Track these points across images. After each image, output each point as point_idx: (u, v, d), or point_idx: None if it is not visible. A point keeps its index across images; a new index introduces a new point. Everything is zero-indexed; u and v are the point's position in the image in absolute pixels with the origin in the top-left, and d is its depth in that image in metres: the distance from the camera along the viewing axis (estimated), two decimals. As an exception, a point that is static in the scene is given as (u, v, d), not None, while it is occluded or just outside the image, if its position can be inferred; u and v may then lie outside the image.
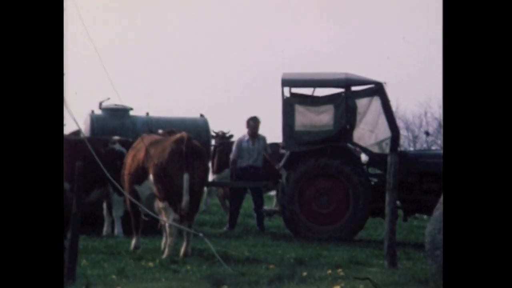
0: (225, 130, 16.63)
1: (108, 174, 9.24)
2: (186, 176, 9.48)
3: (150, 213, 9.79)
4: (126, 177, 10.31)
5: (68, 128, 14.65)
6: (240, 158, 13.31)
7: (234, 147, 13.44)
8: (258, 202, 13.41)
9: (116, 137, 12.67)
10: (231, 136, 16.26)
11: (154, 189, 9.86)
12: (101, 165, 8.99)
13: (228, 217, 13.49)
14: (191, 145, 9.77)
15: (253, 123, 13.28)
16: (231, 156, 13.42)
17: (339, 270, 8.10)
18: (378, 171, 12.79)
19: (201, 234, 9.46)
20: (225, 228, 13.21)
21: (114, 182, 9.65)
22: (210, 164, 14.52)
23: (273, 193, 16.63)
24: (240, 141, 13.36)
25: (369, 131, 12.59)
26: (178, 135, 9.97)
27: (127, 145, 11.82)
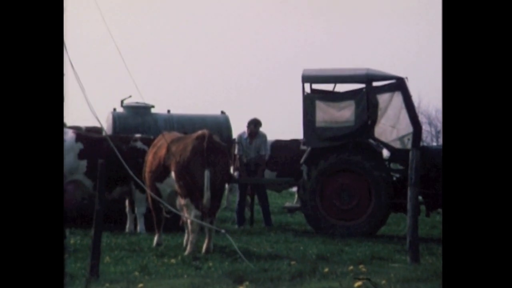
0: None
1: (130, 172, 9.29)
2: (207, 173, 9.50)
3: (173, 209, 9.83)
4: (147, 175, 10.36)
5: (90, 125, 14.75)
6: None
7: (236, 143, 13.54)
8: (263, 197, 13.45)
9: (138, 135, 12.73)
10: None
11: (176, 186, 9.89)
12: (124, 163, 9.04)
13: (236, 214, 13.52)
14: (212, 142, 9.80)
15: (251, 127, 13.38)
16: (236, 152, 13.51)
17: (361, 266, 8.08)
18: (399, 167, 12.73)
19: (223, 231, 9.48)
20: (236, 227, 13.21)
21: (137, 179, 9.69)
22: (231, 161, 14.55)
23: (294, 189, 16.64)
24: (240, 137, 13.49)
25: (391, 126, 12.54)
26: (199, 132, 10.00)
27: (148, 143, 11.87)
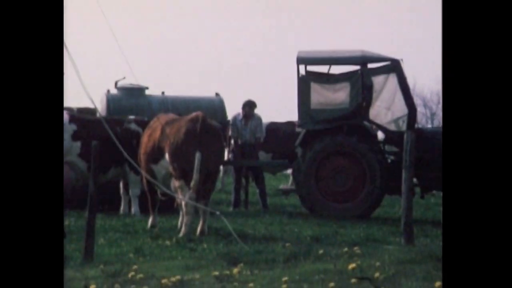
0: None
1: (125, 153, 9.27)
2: (198, 155, 9.48)
3: (167, 191, 9.82)
4: (142, 156, 10.34)
5: (82, 106, 14.68)
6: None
7: (230, 124, 13.49)
8: (259, 179, 13.46)
9: (132, 117, 12.69)
10: None
11: (170, 168, 9.88)
12: (119, 145, 9.00)
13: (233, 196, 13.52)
14: (206, 124, 9.77)
15: (246, 108, 13.32)
16: (229, 134, 13.47)
17: (356, 248, 8.09)
18: (394, 149, 12.73)
19: (218, 212, 9.48)
20: (230, 209, 13.22)
21: (132, 161, 9.67)
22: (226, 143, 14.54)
23: (289, 171, 16.64)
24: (235, 118, 13.43)
25: (386, 108, 12.53)
26: (193, 114, 9.98)
27: (142, 124, 11.84)
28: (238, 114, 13.47)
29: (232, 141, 13.52)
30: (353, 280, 6.32)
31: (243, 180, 13.66)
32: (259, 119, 13.49)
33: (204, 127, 9.71)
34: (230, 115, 14.82)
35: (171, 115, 10.67)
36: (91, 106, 14.17)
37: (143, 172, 10.18)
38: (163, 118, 10.40)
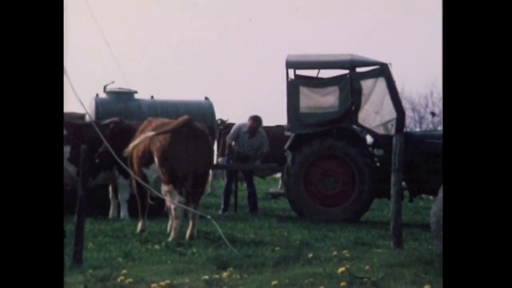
0: (224, 118, 16.66)
1: (117, 157, 9.25)
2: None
3: (159, 194, 9.81)
4: (134, 160, 10.33)
5: (77, 111, 14.66)
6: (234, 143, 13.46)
7: (232, 131, 13.54)
8: (250, 183, 13.49)
9: (115, 119, 12.55)
10: (231, 124, 16.30)
11: (159, 172, 9.87)
12: (110, 149, 8.96)
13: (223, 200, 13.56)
14: (193, 128, 9.77)
15: (253, 124, 13.36)
16: (227, 139, 13.53)
17: (345, 251, 8.10)
18: (383, 152, 12.77)
19: (208, 217, 9.47)
20: (219, 212, 13.23)
21: (123, 164, 9.66)
22: (215, 147, 14.54)
23: (278, 175, 16.65)
24: (239, 128, 13.48)
25: (374, 112, 12.56)
26: (180, 118, 9.98)
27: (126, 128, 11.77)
28: (244, 125, 13.47)
29: (228, 147, 13.56)
30: (343, 283, 6.33)
31: (232, 185, 13.68)
32: (263, 137, 13.51)
33: (191, 130, 9.71)
34: (218, 118, 14.85)
35: (161, 119, 10.68)
36: (76, 110, 14.19)
37: (134, 175, 10.16)
38: (153, 122, 10.41)
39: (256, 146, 13.45)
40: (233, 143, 13.50)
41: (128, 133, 11.29)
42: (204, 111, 14.94)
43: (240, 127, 13.52)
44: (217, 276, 6.80)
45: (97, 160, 11.11)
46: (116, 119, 12.06)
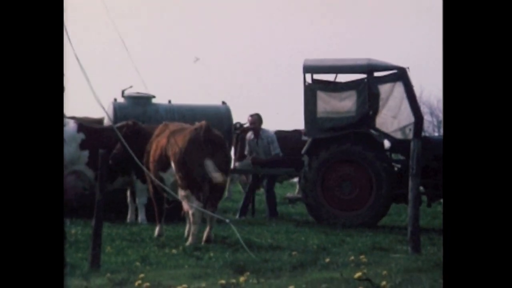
0: (242, 122, 16.67)
1: (138, 162, 9.26)
2: (208, 162, 9.52)
3: (178, 197, 9.84)
4: (151, 164, 10.37)
5: (93, 116, 14.76)
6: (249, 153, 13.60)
7: (247, 143, 13.68)
8: (270, 189, 13.51)
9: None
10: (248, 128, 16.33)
11: (176, 177, 9.89)
12: (132, 153, 8.94)
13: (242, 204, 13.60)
14: (210, 133, 9.79)
15: (252, 121, 13.45)
16: (246, 153, 13.69)
17: (362, 256, 8.08)
18: (401, 157, 12.73)
19: (227, 220, 9.49)
20: (236, 217, 13.24)
21: (144, 168, 9.69)
22: (232, 152, 14.55)
23: (296, 180, 16.63)
24: (249, 138, 13.57)
25: (392, 117, 12.52)
26: (197, 124, 10.02)
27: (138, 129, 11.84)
28: (251, 134, 13.58)
29: (249, 157, 13.68)
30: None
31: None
32: (270, 137, 13.53)
33: (208, 136, 9.74)
34: (236, 122, 14.86)
35: (178, 123, 10.71)
36: (92, 115, 14.28)
37: (153, 178, 10.14)
38: (171, 126, 10.45)
39: (265, 144, 13.44)
40: (245, 152, 13.61)
41: (144, 136, 11.34)
42: (221, 115, 14.94)
43: (249, 136, 13.65)
44: (234, 280, 6.80)
45: (110, 162, 11.13)
46: (129, 122, 12.12)
